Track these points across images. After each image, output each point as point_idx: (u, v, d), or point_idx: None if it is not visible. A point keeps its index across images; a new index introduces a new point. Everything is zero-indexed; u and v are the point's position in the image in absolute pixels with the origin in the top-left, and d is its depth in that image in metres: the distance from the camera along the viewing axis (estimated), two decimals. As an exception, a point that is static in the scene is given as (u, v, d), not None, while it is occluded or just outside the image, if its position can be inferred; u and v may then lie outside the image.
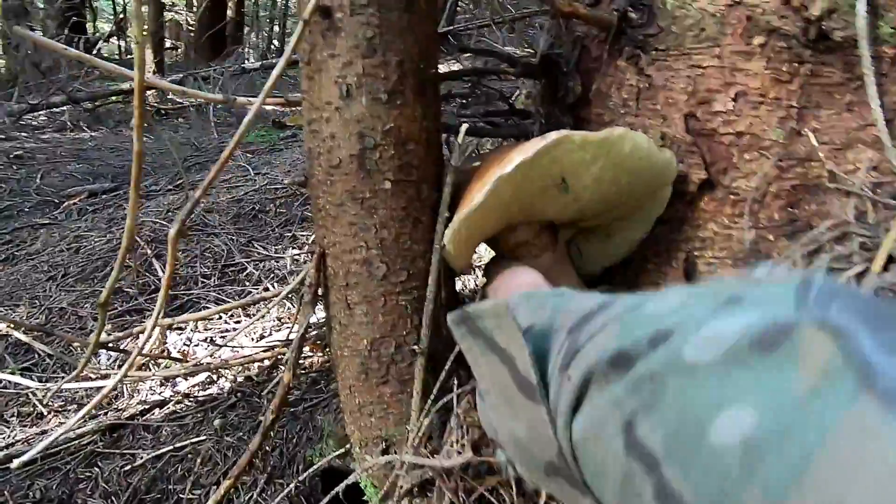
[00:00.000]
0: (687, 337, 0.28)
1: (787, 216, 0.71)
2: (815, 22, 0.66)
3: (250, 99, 0.78)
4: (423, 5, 0.64)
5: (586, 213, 0.78)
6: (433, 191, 0.69)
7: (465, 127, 0.66)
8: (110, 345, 1.02)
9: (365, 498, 0.78)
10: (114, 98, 4.75)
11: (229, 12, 8.92)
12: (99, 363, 1.24)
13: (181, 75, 4.73)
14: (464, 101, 0.91)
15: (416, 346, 0.66)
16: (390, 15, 0.62)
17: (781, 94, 0.69)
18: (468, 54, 1.04)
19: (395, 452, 0.69)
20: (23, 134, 3.89)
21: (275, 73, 0.56)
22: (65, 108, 4.62)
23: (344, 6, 0.61)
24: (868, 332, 0.23)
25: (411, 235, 0.68)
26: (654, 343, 0.29)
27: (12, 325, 0.97)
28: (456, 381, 0.69)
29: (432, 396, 0.68)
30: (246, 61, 6.36)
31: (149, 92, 5.31)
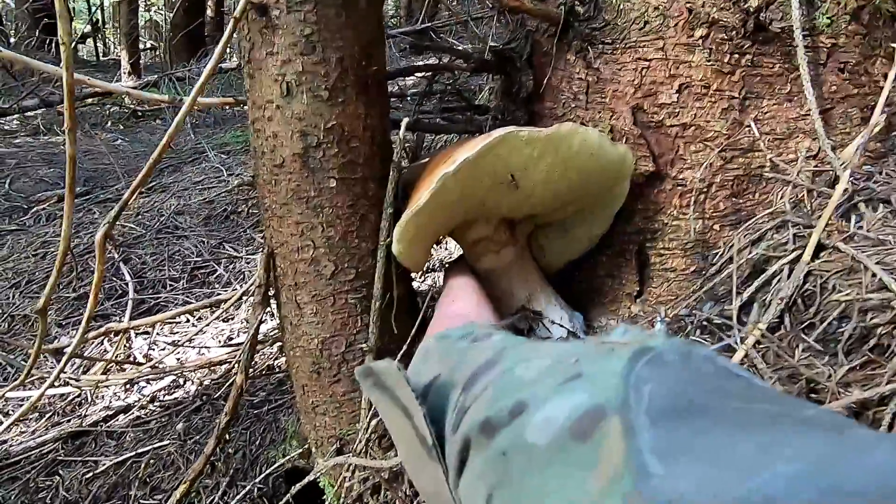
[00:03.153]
0: (533, 414, 0.30)
1: (732, 206, 0.72)
2: (754, 13, 0.66)
3: (196, 98, 0.77)
4: (364, 3, 0.64)
5: (540, 208, 0.78)
6: (381, 188, 0.69)
7: (405, 121, 0.66)
8: (63, 351, 1.01)
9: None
10: (88, 101, 4.68)
11: (209, 11, 8.79)
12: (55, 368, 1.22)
13: (156, 76, 4.66)
14: (421, 98, 0.90)
15: (364, 345, 0.66)
16: (328, 12, 0.61)
17: (724, 86, 0.70)
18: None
19: (349, 452, 0.69)
20: (-7, 139, 3.80)
21: (206, 71, 0.55)
22: (38, 111, 4.53)
23: (280, 3, 0.60)
24: (654, 430, 0.24)
25: (359, 234, 0.68)
26: (513, 414, 0.31)
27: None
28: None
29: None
30: (226, 60, 6.29)
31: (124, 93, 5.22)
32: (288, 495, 0.68)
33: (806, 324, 0.52)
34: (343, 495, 0.63)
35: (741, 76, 0.69)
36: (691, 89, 0.71)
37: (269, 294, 0.73)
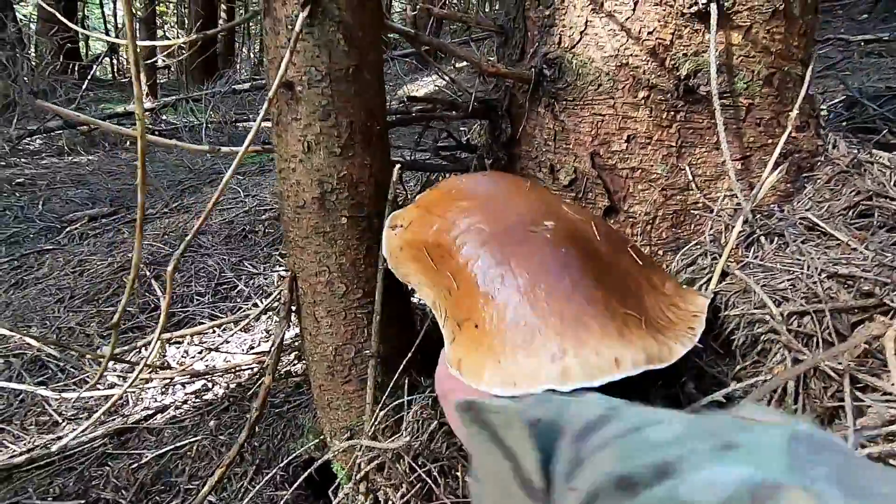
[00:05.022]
0: (686, 476, 0.31)
1: (673, 234, 0.87)
2: (684, 80, 0.82)
3: (232, 148, 0.94)
4: (368, 76, 0.80)
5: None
6: (382, 222, 0.84)
7: (397, 168, 0.81)
8: (118, 357, 1.17)
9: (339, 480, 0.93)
10: (109, 121, 4.92)
11: (221, 23, 9.15)
12: (106, 376, 1.38)
13: (174, 98, 4.89)
14: (417, 142, 1.06)
15: (367, 351, 0.81)
16: (340, 86, 0.77)
17: (663, 137, 0.85)
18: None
19: (358, 439, 0.84)
20: (22, 160, 4.03)
21: (249, 137, 0.71)
22: (61, 132, 4.77)
23: (303, 81, 0.76)
24: (842, 497, 0.27)
25: (365, 260, 0.83)
26: (659, 475, 0.32)
27: (38, 340, 1.11)
28: (407, 381, 0.84)
29: (387, 392, 0.83)
30: (238, 77, 6.59)
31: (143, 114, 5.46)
32: (306, 473, 0.83)
33: (714, 332, 0.67)
34: (353, 471, 0.78)
35: (677, 129, 0.85)
36: (637, 139, 0.86)
37: (292, 310, 0.88)
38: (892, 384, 0.51)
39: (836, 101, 1.57)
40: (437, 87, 4.83)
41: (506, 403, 0.44)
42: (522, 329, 0.51)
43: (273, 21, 0.76)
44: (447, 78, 1.18)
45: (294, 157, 0.80)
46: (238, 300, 1.65)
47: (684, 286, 0.70)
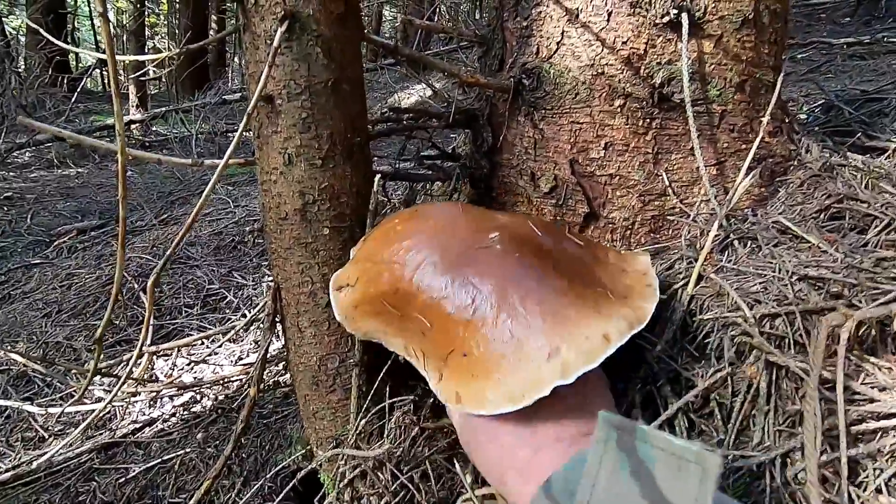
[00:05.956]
0: None
1: (651, 239, 0.88)
2: (658, 88, 0.84)
3: (215, 161, 0.95)
4: (348, 88, 0.81)
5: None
6: (364, 232, 0.85)
7: (378, 177, 0.82)
8: (104, 371, 1.17)
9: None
10: (98, 134, 4.91)
11: (211, 34, 9.19)
12: (92, 391, 1.38)
13: (163, 109, 4.89)
14: (400, 151, 1.07)
15: (351, 360, 0.82)
16: (320, 99, 0.78)
17: (640, 144, 0.87)
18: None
19: (342, 448, 0.84)
20: (10, 173, 4.02)
21: (230, 150, 0.72)
22: (50, 144, 4.76)
23: (283, 94, 0.77)
24: None
25: (348, 270, 0.84)
26: None
27: (23, 356, 1.10)
28: (388, 390, 0.84)
29: (370, 401, 0.83)
30: (229, 88, 6.61)
31: (133, 125, 5.47)
32: (292, 482, 0.83)
33: (689, 336, 0.68)
34: (337, 480, 0.78)
35: (653, 136, 0.86)
36: (614, 146, 0.88)
37: (277, 320, 0.89)
38: (839, 378, 0.52)
39: (816, 104, 1.60)
40: (421, 97, 4.86)
41: (689, 447, 0.38)
42: (510, 341, 0.52)
43: (252, 36, 0.77)
44: (431, 87, 1.20)
45: (275, 169, 0.81)
46: (227, 311, 1.65)
47: (621, 250, 0.72)
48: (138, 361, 1.36)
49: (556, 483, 0.44)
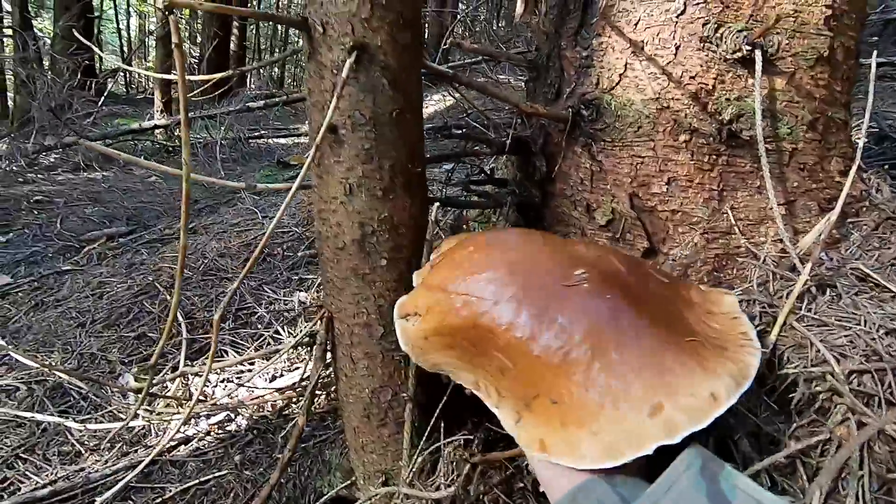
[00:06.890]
0: None
1: (714, 279, 0.86)
2: (727, 124, 0.81)
3: (269, 186, 0.94)
4: (410, 118, 0.80)
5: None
6: (419, 263, 0.84)
7: (436, 206, 0.81)
8: (154, 393, 1.16)
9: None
10: (120, 137, 4.98)
11: (232, 46, 9.31)
12: (128, 404, 1.37)
13: (190, 115, 4.94)
14: (448, 177, 1.06)
15: (404, 394, 0.80)
16: (384, 130, 0.77)
17: (704, 180, 0.85)
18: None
19: (394, 484, 0.82)
20: (39, 176, 4.08)
21: (297, 181, 0.71)
22: (77, 147, 4.82)
23: (347, 124, 0.76)
24: None
25: (404, 302, 0.82)
26: None
27: (66, 372, 1.10)
28: (443, 425, 0.83)
29: (424, 437, 0.81)
30: (250, 91, 6.70)
31: (157, 130, 5.53)
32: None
33: (768, 387, 0.66)
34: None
35: (719, 172, 0.84)
36: (678, 182, 0.86)
37: (327, 350, 0.87)
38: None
39: (861, 133, 1.56)
40: (435, 110, 4.87)
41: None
42: (607, 393, 0.49)
43: (318, 65, 0.76)
44: (479, 112, 1.18)
45: (335, 198, 0.80)
46: (259, 326, 1.64)
47: (701, 286, 0.68)
48: (172, 379, 1.35)
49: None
